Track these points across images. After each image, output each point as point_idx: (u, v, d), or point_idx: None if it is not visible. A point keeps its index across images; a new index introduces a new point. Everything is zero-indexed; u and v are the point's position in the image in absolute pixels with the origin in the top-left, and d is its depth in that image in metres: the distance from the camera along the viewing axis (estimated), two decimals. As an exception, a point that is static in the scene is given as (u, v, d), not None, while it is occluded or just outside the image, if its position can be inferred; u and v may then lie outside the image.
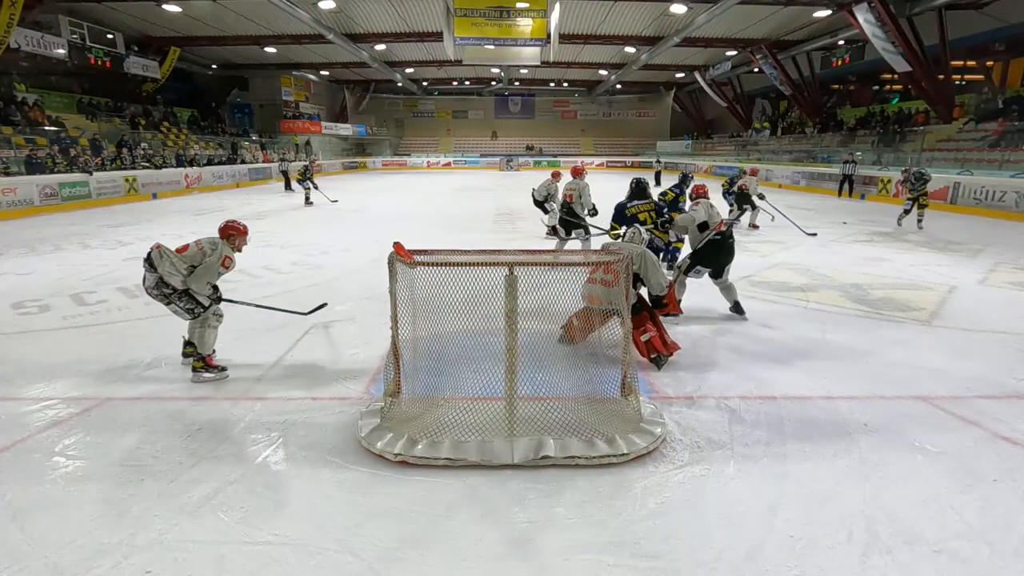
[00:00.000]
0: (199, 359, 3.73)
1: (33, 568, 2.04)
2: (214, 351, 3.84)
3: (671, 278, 4.86)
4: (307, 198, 15.46)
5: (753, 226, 10.32)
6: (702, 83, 30.65)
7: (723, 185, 11.29)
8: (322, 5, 18.00)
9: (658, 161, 26.30)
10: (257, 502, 2.40)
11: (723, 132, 35.80)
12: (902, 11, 15.83)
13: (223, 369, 3.78)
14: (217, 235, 3.82)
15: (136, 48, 20.75)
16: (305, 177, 15.53)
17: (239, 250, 3.88)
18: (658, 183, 21.84)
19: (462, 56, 20.43)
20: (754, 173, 11.00)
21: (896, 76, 19.03)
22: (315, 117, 32.97)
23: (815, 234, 7.64)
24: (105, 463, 2.69)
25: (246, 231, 3.93)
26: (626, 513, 2.34)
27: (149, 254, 3.61)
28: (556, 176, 9.15)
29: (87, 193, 14.69)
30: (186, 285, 3.63)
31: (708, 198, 5.32)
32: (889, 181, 15.95)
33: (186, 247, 3.70)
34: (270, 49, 23.76)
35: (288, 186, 19.70)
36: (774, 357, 4.07)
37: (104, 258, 7.70)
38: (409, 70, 31.26)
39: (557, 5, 17.38)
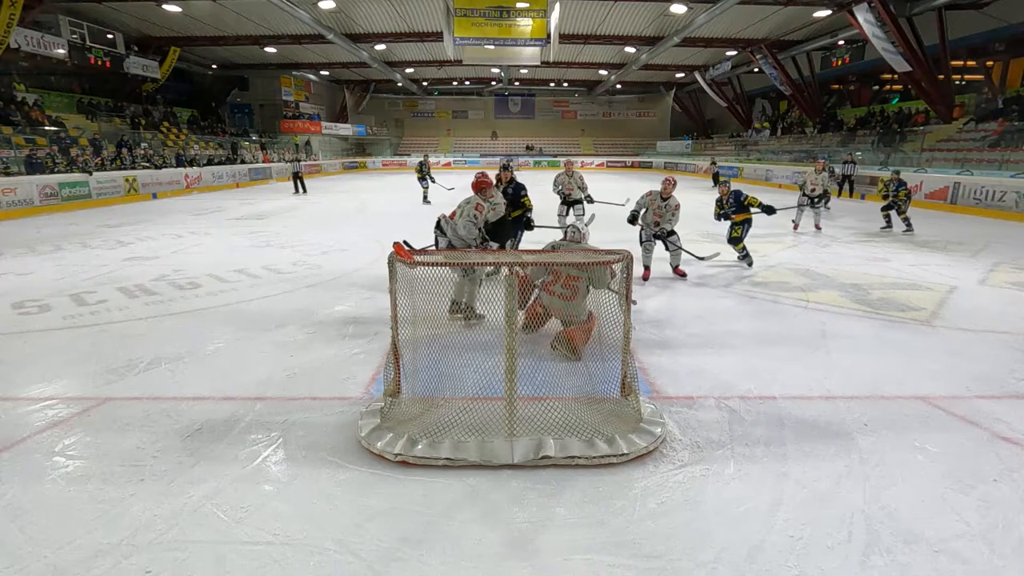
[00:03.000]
0: (468, 310, 4.37)
1: (33, 568, 2.03)
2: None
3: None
4: (425, 196, 14.80)
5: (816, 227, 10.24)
6: (702, 83, 30.66)
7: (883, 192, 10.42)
8: (322, 5, 18.01)
9: (713, 163, 23.60)
10: (257, 502, 2.40)
11: (723, 132, 35.83)
12: (902, 11, 15.85)
13: (482, 316, 4.30)
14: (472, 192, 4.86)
15: (136, 48, 20.76)
16: (424, 174, 14.79)
17: (488, 200, 4.80)
18: (716, 184, 21.14)
19: (462, 56, 20.45)
20: (819, 169, 10.23)
21: (896, 76, 19.03)
22: (315, 117, 32.99)
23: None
24: (105, 463, 2.69)
25: (491, 183, 4.91)
26: (626, 513, 2.34)
27: (439, 222, 4.80)
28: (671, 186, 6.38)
29: (87, 193, 14.69)
30: (466, 240, 4.71)
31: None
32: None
33: (453, 213, 4.78)
34: (270, 49, 23.77)
35: (302, 189, 18.52)
36: (774, 357, 4.07)
37: (104, 258, 7.70)
38: (409, 70, 31.27)
39: (557, 5, 17.39)
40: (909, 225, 9.95)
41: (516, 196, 6.15)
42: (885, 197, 10.40)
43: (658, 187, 6.30)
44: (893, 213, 10.13)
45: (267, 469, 2.65)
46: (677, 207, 6.23)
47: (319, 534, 2.20)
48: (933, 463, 2.71)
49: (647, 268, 6.36)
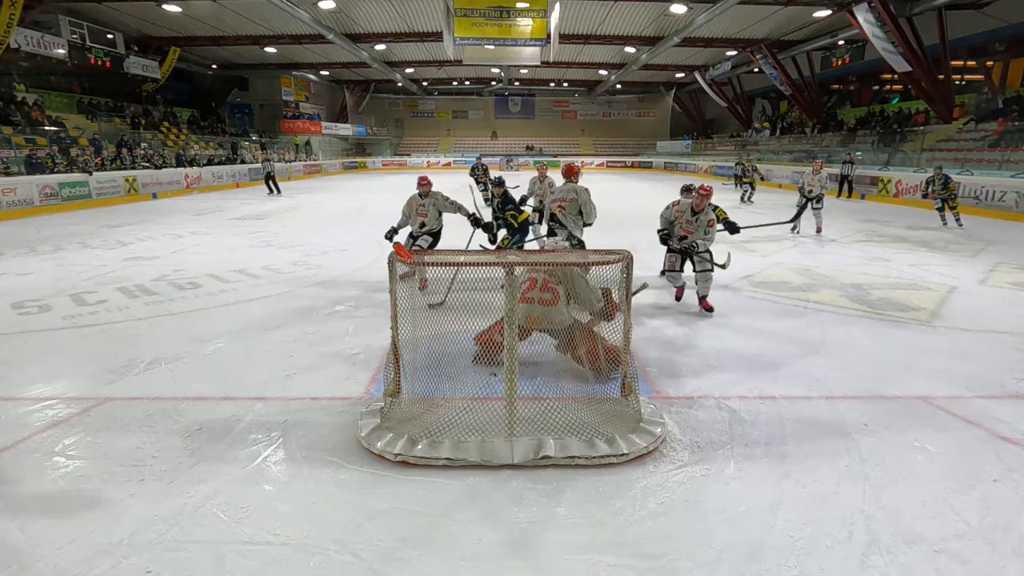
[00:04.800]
0: None
1: (33, 568, 2.04)
2: None
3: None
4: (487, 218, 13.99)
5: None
6: (702, 83, 30.66)
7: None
8: (322, 5, 18.00)
9: (739, 164, 20.63)
10: (257, 502, 2.40)
11: (723, 132, 35.82)
12: (902, 11, 15.85)
13: None
14: (568, 182, 5.42)
15: (136, 48, 20.76)
16: (478, 179, 13.54)
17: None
18: (739, 186, 20.32)
19: (462, 56, 20.45)
20: (816, 170, 9.64)
21: (896, 76, 19.03)
22: (315, 117, 32.99)
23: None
24: (105, 463, 2.69)
25: (579, 169, 5.49)
26: (626, 513, 2.34)
27: (553, 215, 5.27)
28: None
29: (87, 193, 14.69)
30: (587, 224, 5.36)
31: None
32: (889, 181, 15.96)
33: (562, 207, 5.21)
34: (270, 49, 23.77)
35: (276, 190, 18.13)
36: (774, 357, 4.07)
37: (104, 258, 7.70)
38: (409, 70, 31.26)
39: (557, 5, 17.39)
40: (959, 221, 10.29)
41: (503, 208, 6.14)
42: (925, 197, 10.76)
43: (682, 197, 5.38)
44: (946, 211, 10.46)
45: (267, 469, 2.65)
46: (712, 224, 5.04)
47: (319, 534, 2.20)
48: (933, 463, 2.71)
49: (680, 287, 5.39)
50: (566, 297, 3.63)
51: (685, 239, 5.12)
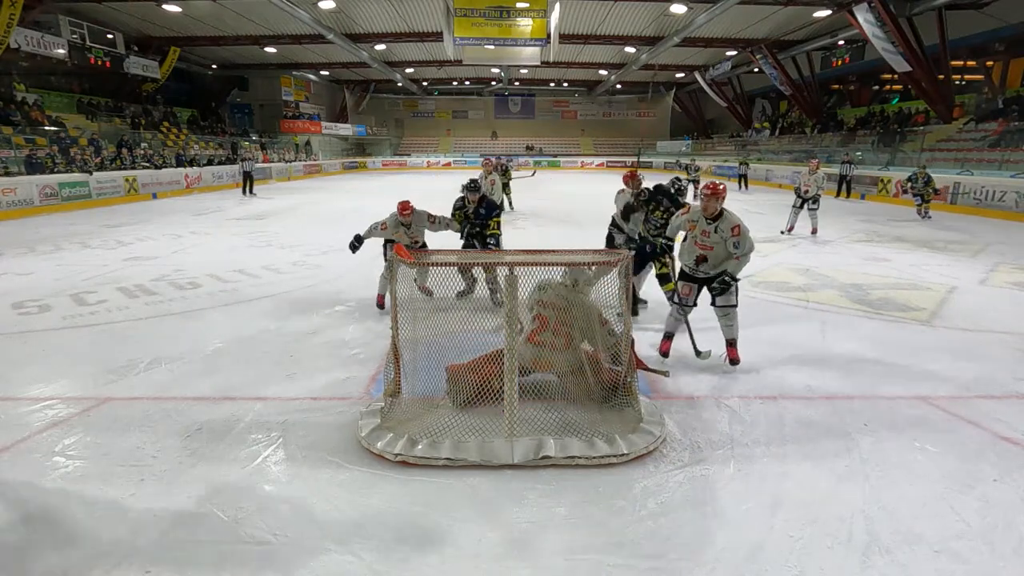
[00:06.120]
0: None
1: (33, 568, 2.04)
2: None
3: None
4: (510, 203, 12.16)
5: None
6: (702, 83, 30.65)
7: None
8: (322, 5, 18.00)
9: (744, 163, 20.64)
10: (257, 502, 2.40)
11: (723, 132, 35.82)
12: (902, 11, 15.84)
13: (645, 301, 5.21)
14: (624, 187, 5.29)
15: (136, 48, 20.76)
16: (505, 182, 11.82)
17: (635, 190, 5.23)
18: (745, 186, 20.03)
19: (462, 56, 20.44)
20: (813, 170, 9.44)
21: (896, 76, 19.03)
22: (315, 117, 32.98)
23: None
24: (105, 463, 2.69)
25: (639, 177, 5.33)
26: (626, 513, 2.34)
27: (614, 219, 5.23)
28: None
29: (87, 193, 14.68)
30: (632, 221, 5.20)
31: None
32: (890, 181, 15.95)
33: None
34: (270, 49, 23.75)
35: (250, 191, 17.53)
36: (774, 357, 4.07)
37: (104, 258, 7.69)
38: (409, 70, 31.26)
39: (557, 5, 17.39)
40: (929, 214, 11.70)
41: (488, 216, 5.46)
42: (906, 192, 11.89)
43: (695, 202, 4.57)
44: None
45: (267, 469, 2.65)
46: (737, 230, 3.63)
47: (319, 534, 2.20)
48: (933, 463, 2.71)
49: (669, 338, 4.05)
50: (579, 337, 3.30)
51: (705, 260, 3.79)
